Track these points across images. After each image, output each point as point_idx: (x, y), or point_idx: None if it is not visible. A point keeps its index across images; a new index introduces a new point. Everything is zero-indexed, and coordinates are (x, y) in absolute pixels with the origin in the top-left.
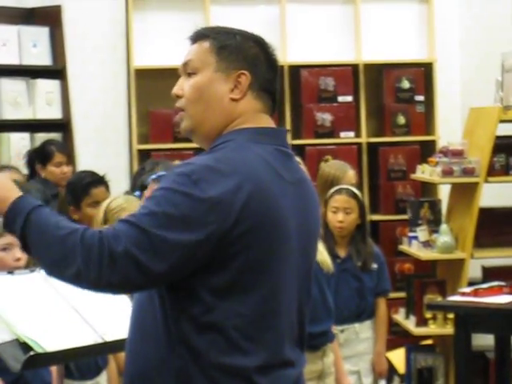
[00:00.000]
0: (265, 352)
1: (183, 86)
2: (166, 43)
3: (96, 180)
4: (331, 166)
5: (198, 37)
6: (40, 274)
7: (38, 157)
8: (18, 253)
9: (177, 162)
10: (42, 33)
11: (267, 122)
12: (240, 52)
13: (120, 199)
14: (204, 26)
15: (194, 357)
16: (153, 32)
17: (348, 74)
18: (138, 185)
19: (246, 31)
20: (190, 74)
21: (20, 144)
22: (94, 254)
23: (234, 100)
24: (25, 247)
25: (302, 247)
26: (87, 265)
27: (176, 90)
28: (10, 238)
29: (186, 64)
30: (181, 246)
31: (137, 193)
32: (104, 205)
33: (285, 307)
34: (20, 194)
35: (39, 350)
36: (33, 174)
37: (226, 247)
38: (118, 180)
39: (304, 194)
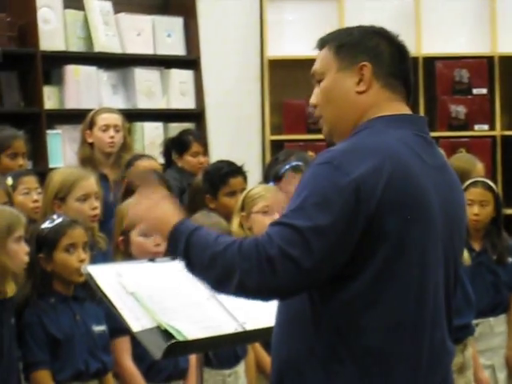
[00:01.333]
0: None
1: (316, 95)
2: (300, 33)
3: (234, 170)
4: (460, 158)
5: (320, 44)
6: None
7: (175, 146)
8: (158, 238)
9: (310, 153)
10: (176, 23)
11: (403, 108)
12: (358, 45)
13: (259, 188)
14: (327, 33)
15: (343, 343)
16: (286, 22)
17: (483, 66)
18: (271, 175)
19: (365, 26)
20: (319, 82)
21: (154, 133)
22: (253, 263)
23: (360, 93)
24: (190, 269)
25: (448, 233)
26: (248, 274)
27: (311, 100)
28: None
29: (313, 74)
30: (332, 232)
31: (271, 183)
32: (243, 193)
33: (432, 294)
34: (178, 218)
35: (180, 338)
36: (169, 164)
37: (372, 230)
38: (251, 170)
39: (448, 179)
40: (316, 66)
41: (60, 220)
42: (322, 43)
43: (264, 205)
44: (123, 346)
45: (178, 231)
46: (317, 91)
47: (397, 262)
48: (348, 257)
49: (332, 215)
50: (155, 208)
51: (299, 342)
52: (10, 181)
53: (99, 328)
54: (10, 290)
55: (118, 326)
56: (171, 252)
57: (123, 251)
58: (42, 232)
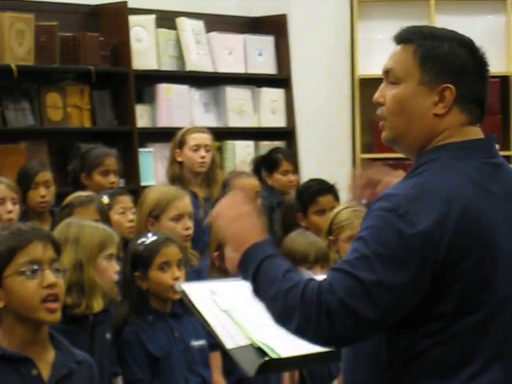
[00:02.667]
0: (498, 368)
1: (385, 94)
2: (390, 52)
3: (323, 188)
4: None
5: (402, 39)
6: None
7: (265, 164)
8: None
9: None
10: (267, 41)
11: (474, 133)
12: (445, 63)
13: (347, 213)
14: (409, 26)
15: (411, 381)
16: (377, 41)
17: None
18: None
19: (454, 34)
20: (392, 83)
21: (245, 151)
22: (313, 311)
23: (437, 115)
24: (255, 294)
25: None
26: (306, 321)
27: (377, 97)
28: None
29: (387, 71)
30: (397, 288)
31: (363, 201)
32: (331, 215)
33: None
34: (259, 238)
35: (274, 356)
36: (259, 181)
37: (442, 277)
38: (341, 189)
39: None
40: (393, 65)
41: (154, 238)
42: (405, 40)
43: (351, 234)
44: (216, 359)
45: (253, 252)
46: (385, 90)
47: (470, 300)
48: (414, 306)
49: (398, 271)
50: (239, 220)
51: (365, 378)
52: (106, 199)
53: (198, 343)
54: (97, 305)
55: (211, 341)
56: (240, 270)
57: (219, 266)
58: (137, 250)
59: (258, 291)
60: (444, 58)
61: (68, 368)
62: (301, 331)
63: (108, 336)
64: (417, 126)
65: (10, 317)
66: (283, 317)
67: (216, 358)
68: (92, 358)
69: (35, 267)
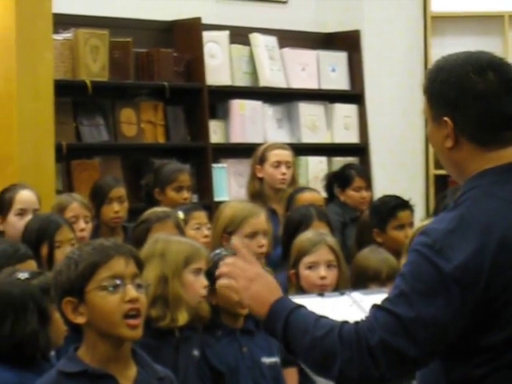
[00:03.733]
0: None
1: None
2: None
3: (402, 203)
4: None
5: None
6: (349, 297)
7: (338, 180)
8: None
9: None
10: (340, 57)
11: (507, 154)
12: (440, 96)
13: None
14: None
15: None
16: None
17: None
18: (439, 212)
19: (465, 59)
20: None
21: (318, 167)
22: (354, 353)
23: (449, 149)
24: (288, 350)
25: None
26: (349, 364)
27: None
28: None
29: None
30: (437, 323)
31: None
32: (412, 232)
33: None
34: (278, 295)
35: None
36: (331, 198)
37: (487, 308)
38: (415, 204)
39: None
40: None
41: (224, 254)
42: (424, 77)
43: None
44: (292, 375)
45: (276, 311)
46: None
47: None
48: (455, 339)
49: (436, 307)
50: (256, 281)
51: None
52: (181, 215)
53: (270, 359)
54: (182, 319)
55: (287, 357)
56: (268, 332)
57: (295, 284)
58: (212, 266)
59: (292, 345)
60: (439, 91)
61: None
62: (344, 375)
63: (196, 353)
64: (443, 161)
65: (92, 332)
66: (323, 364)
67: (292, 374)
68: (175, 375)
69: (117, 282)
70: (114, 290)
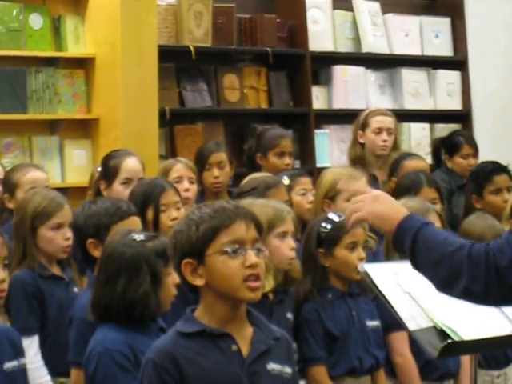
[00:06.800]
0: None
1: None
2: None
3: (498, 168)
4: None
5: None
6: None
7: (446, 147)
8: None
9: None
10: (443, 24)
11: None
12: None
13: None
14: None
15: None
16: None
17: None
18: None
19: None
20: None
21: (420, 134)
22: (481, 271)
23: None
24: (414, 265)
25: None
26: (475, 282)
27: None
28: None
29: None
30: None
31: None
32: (509, 197)
33: None
34: (405, 213)
35: (456, 338)
36: (438, 164)
37: None
38: None
39: None
40: None
41: (343, 218)
42: None
43: None
44: (403, 338)
45: (404, 227)
46: None
47: None
48: None
49: None
50: (380, 200)
51: None
52: (286, 180)
53: (373, 323)
54: (268, 285)
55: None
56: (396, 247)
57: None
58: (324, 228)
59: (418, 260)
60: None
61: (266, 344)
62: (468, 291)
63: (289, 316)
64: None
65: (210, 294)
66: (449, 279)
67: (405, 336)
68: None
69: (237, 247)
70: (234, 255)
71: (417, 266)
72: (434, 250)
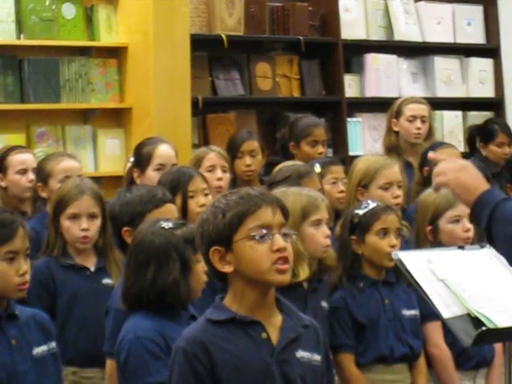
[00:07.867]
0: None
1: None
2: None
3: None
4: None
5: None
6: (490, 251)
7: (481, 134)
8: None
9: None
10: (476, 11)
11: None
12: None
13: None
14: None
15: None
16: None
17: None
18: None
19: None
20: None
21: (453, 122)
22: None
23: None
24: (489, 241)
25: None
26: None
27: None
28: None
29: None
30: None
31: None
32: None
33: None
34: (487, 186)
35: (491, 326)
36: (473, 152)
37: None
38: None
39: None
40: None
41: (374, 205)
42: None
43: None
44: (438, 328)
45: (484, 200)
46: None
47: None
48: None
49: None
50: (464, 171)
51: None
52: (318, 168)
53: (410, 312)
54: (303, 273)
55: (432, 310)
56: (474, 220)
57: (432, 241)
58: (356, 215)
59: (494, 233)
60: None
61: (296, 332)
62: None
63: (324, 304)
64: None
65: (239, 281)
66: None
67: (439, 326)
68: None
69: (265, 232)
70: (261, 239)
71: (492, 241)
72: (511, 225)
